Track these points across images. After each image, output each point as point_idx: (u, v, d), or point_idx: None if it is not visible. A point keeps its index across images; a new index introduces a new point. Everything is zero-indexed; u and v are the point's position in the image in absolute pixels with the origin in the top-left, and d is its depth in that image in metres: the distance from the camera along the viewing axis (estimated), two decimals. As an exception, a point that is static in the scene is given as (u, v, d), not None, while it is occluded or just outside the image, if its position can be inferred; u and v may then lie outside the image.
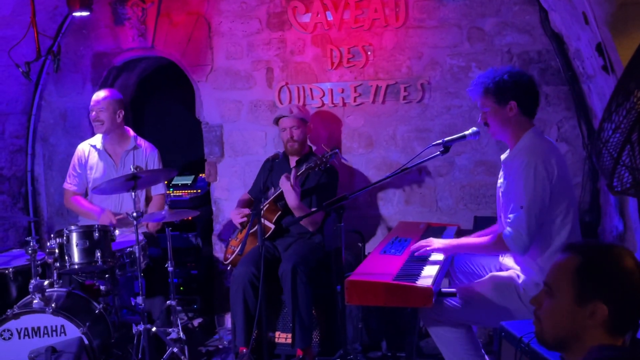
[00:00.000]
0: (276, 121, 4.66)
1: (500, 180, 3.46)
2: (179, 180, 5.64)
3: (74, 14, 4.52)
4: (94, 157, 4.77)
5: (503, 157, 3.45)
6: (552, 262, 1.93)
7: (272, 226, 4.46)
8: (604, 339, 1.78)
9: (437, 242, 3.54)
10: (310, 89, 5.00)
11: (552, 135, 4.55)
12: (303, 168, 4.29)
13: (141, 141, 4.84)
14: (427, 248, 3.52)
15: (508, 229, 3.20)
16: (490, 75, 3.30)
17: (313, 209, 4.33)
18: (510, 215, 3.20)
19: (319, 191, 4.48)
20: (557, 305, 1.85)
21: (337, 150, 4.25)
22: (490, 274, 3.47)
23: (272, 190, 4.50)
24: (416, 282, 3.11)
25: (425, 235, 4.14)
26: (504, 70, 3.30)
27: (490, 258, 3.68)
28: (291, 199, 4.30)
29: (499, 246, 3.28)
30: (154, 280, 4.47)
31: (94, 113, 4.65)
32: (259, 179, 4.78)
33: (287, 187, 4.30)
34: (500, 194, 3.42)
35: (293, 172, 4.31)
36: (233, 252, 4.54)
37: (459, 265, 3.78)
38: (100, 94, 4.68)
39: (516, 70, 3.33)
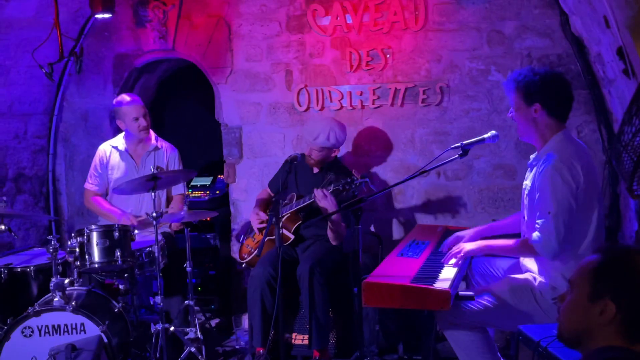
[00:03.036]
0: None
1: (525, 182, 3.43)
2: (197, 181, 5.67)
3: (96, 15, 4.56)
4: (115, 158, 4.81)
5: (532, 157, 3.43)
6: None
7: (292, 236, 4.44)
8: (616, 341, 1.80)
9: (467, 246, 3.49)
10: (329, 92, 5.01)
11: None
12: (331, 188, 4.16)
13: (162, 142, 4.88)
14: (460, 254, 3.46)
15: (537, 234, 3.17)
16: (523, 73, 3.27)
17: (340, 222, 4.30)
18: (539, 221, 3.17)
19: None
20: (573, 301, 1.89)
21: (367, 179, 4.06)
22: (506, 277, 3.46)
23: (294, 196, 4.46)
24: (434, 284, 3.11)
25: (443, 239, 4.14)
26: (538, 70, 3.27)
27: (509, 260, 3.67)
28: (330, 208, 4.16)
29: (527, 249, 3.26)
30: (172, 280, 4.50)
31: (139, 118, 4.65)
32: (279, 176, 4.73)
33: (325, 203, 4.17)
34: (525, 195, 3.40)
35: (328, 189, 4.19)
36: (249, 252, 4.55)
37: (477, 267, 3.78)
38: (137, 99, 4.71)
39: (550, 72, 3.30)
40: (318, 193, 4.19)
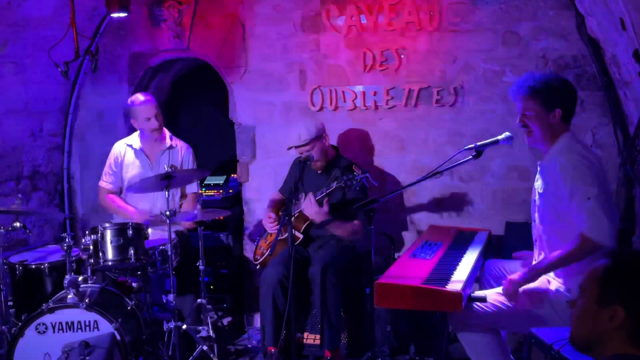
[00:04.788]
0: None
1: (537, 183, 3.40)
2: (211, 180, 5.69)
3: (112, 15, 4.58)
4: (130, 156, 4.84)
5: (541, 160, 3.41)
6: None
7: (301, 236, 4.47)
8: (627, 348, 1.79)
9: (513, 281, 3.22)
10: (343, 92, 5.01)
11: (586, 141, 4.49)
12: (333, 186, 4.19)
13: (176, 141, 4.90)
14: (510, 292, 3.22)
15: (584, 224, 3.03)
16: (538, 78, 3.23)
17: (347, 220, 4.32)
18: (579, 210, 3.06)
19: (349, 204, 4.39)
20: (583, 306, 1.89)
21: (367, 174, 4.07)
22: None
23: (303, 197, 4.49)
24: (446, 286, 3.11)
25: (455, 240, 4.13)
26: (550, 75, 3.27)
27: (522, 262, 3.64)
28: (317, 218, 4.25)
29: (579, 251, 3.05)
30: (185, 278, 4.52)
31: (151, 119, 4.68)
32: (289, 177, 4.78)
33: (310, 211, 4.26)
34: (537, 196, 3.37)
35: (317, 194, 4.26)
36: (262, 253, 4.57)
37: (490, 269, 3.76)
38: (150, 99, 4.73)
39: (561, 77, 3.31)
40: (305, 203, 4.27)
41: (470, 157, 3.47)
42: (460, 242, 4.06)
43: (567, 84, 3.27)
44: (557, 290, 3.22)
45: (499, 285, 3.56)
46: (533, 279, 3.22)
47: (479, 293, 3.33)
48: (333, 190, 4.22)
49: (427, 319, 4.31)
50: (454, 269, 3.41)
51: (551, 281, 3.27)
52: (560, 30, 4.55)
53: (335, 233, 4.41)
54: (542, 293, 3.25)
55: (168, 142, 4.84)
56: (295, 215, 4.39)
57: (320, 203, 4.25)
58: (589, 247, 3.03)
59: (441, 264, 3.54)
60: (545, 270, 3.22)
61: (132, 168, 4.82)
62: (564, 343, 2.52)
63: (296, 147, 4.46)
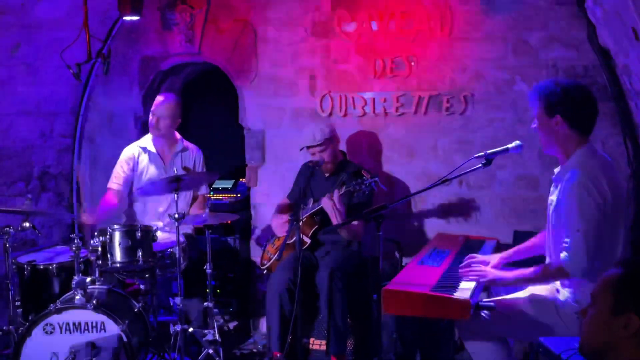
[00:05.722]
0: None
1: (551, 197, 3.34)
2: (219, 184, 5.71)
3: (124, 18, 4.60)
4: (144, 160, 4.85)
5: (555, 171, 3.38)
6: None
7: (309, 240, 4.47)
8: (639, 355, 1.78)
9: (492, 273, 3.37)
10: (352, 98, 5.02)
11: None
12: (342, 190, 4.24)
13: (187, 143, 4.94)
14: (481, 280, 3.36)
15: (565, 253, 3.09)
16: (545, 84, 3.22)
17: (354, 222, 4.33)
18: (567, 240, 3.09)
19: (355, 208, 4.43)
20: (595, 315, 1.89)
21: (377, 178, 4.15)
22: (529, 289, 3.42)
23: (311, 201, 4.49)
24: (454, 294, 3.10)
25: (463, 248, 4.13)
26: (562, 81, 3.23)
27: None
28: (335, 218, 4.28)
29: (551, 274, 3.16)
30: (191, 281, 4.52)
31: (155, 115, 4.73)
32: (297, 183, 4.79)
33: (329, 208, 4.28)
34: (551, 211, 3.33)
35: (335, 193, 4.28)
36: (269, 257, 4.58)
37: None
38: (165, 101, 4.76)
39: (574, 84, 3.23)
40: (324, 199, 4.26)
41: (480, 165, 3.45)
42: (468, 250, 4.05)
43: (571, 90, 3.17)
44: (565, 301, 3.21)
45: (508, 294, 3.54)
46: (502, 284, 3.40)
47: (487, 301, 3.32)
48: (342, 194, 4.23)
49: (433, 326, 4.29)
50: (463, 276, 3.40)
51: (560, 291, 3.25)
52: (571, 40, 4.55)
53: (340, 233, 4.44)
54: (550, 302, 3.24)
55: (181, 144, 4.87)
56: (303, 220, 4.40)
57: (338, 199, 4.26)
58: (561, 275, 3.13)
59: (449, 271, 3.54)
60: (515, 283, 3.34)
61: (147, 171, 4.83)
62: (572, 352, 2.50)
63: (310, 147, 4.48)
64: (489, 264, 3.55)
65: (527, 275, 3.26)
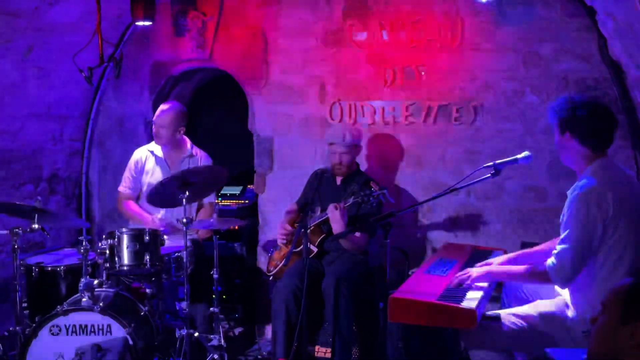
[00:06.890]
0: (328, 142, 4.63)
1: (563, 211, 3.30)
2: (227, 190, 5.72)
3: (137, 23, 4.64)
4: (150, 163, 4.88)
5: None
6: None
7: (315, 249, 4.47)
8: None
9: (474, 272, 3.45)
10: (362, 107, 5.03)
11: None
12: (350, 201, 4.23)
13: (197, 150, 4.95)
14: (468, 282, 3.42)
15: (552, 259, 3.13)
16: (559, 101, 3.25)
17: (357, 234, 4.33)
18: (558, 247, 3.14)
19: (362, 220, 4.42)
20: (604, 323, 1.90)
21: (385, 190, 4.16)
22: (537, 302, 3.41)
23: (319, 210, 4.49)
24: (461, 303, 3.09)
25: (471, 259, 4.11)
26: (574, 98, 3.22)
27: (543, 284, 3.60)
28: (337, 227, 4.26)
29: (537, 277, 3.24)
30: (197, 286, 4.52)
31: (156, 124, 4.76)
32: (307, 189, 4.79)
33: (335, 217, 4.25)
34: (562, 225, 3.33)
35: (342, 203, 4.27)
36: (276, 265, 4.57)
37: (511, 290, 3.71)
38: (167, 110, 4.77)
39: (587, 101, 3.21)
40: (330, 208, 4.25)
41: (489, 175, 3.47)
42: (475, 260, 4.03)
43: (582, 108, 3.15)
44: (574, 317, 3.19)
45: (519, 305, 3.52)
46: (487, 279, 3.43)
47: (493, 312, 3.31)
48: (350, 205, 4.23)
49: (439, 336, 4.28)
50: (470, 286, 3.39)
51: (569, 306, 3.24)
52: (582, 52, 4.55)
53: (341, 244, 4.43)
54: (558, 318, 3.22)
55: (189, 149, 4.89)
56: (311, 229, 4.40)
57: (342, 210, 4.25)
58: (543, 279, 3.20)
59: (456, 281, 3.52)
60: (498, 278, 3.49)
61: (152, 175, 4.85)
62: (579, 364, 2.50)
63: (335, 144, 4.49)
64: (491, 265, 3.59)
65: (514, 272, 3.39)
